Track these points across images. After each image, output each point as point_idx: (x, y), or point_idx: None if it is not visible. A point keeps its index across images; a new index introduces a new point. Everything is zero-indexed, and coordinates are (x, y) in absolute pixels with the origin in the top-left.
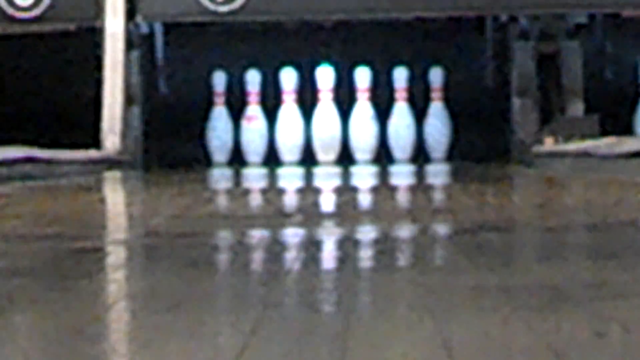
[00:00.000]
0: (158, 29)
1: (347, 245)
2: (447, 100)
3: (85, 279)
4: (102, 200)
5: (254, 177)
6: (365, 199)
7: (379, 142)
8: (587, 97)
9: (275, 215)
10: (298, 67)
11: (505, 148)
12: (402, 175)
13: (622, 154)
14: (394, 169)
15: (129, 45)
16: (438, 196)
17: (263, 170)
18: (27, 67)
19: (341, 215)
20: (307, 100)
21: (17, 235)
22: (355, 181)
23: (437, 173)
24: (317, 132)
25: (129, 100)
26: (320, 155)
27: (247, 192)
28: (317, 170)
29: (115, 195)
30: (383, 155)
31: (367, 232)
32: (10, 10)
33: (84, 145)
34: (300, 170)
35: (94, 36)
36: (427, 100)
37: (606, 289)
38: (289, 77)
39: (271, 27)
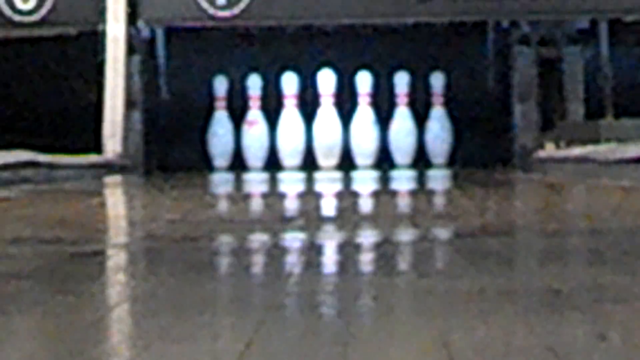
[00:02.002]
0: (159, 33)
1: (348, 250)
2: (448, 105)
3: (86, 282)
4: (103, 205)
5: (255, 181)
6: (366, 204)
7: (380, 147)
8: None
9: (276, 220)
10: (299, 72)
11: (507, 153)
12: (403, 180)
13: (622, 160)
14: (395, 173)
15: (130, 49)
16: (439, 201)
17: (264, 175)
18: (28, 72)
19: (342, 219)
20: (308, 105)
21: (19, 238)
22: (356, 186)
23: (438, 178)
24: (318, 136)
25: (130, 104)
26: (321, 160)
27: (248, 196)
28: (318, 175)
29: (116, 200)
30: (384, 160)
31: (368, 237)
32: (11, 15)
33: (85, 150)
34: (301, 175)
35: (96, 41)
36: (428, 105)
37: (606, 292)
38: (290, 82)
39: (272, 32)
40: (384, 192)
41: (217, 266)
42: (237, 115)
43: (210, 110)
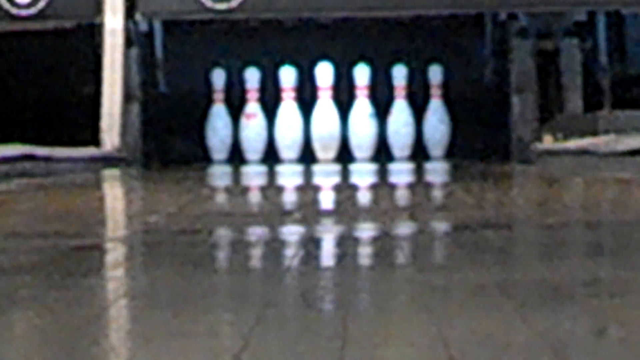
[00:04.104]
0: (157, 26)
1: (346, 243)
2: (447, 98)
3: (84, 276)
4: (101, 198)
5: (253, 174)
6: (364, 197)
7: (378, 140)
8: None
9: (274, 213)
10: (297, 65)
11: (505, 146)
12: (401, 172)
13: (620, 152)
14: (393, 166)
15: (128, 42)
16: (437, 194)
17: (262, 168)
18: (26, 65)
19: (340, 212)
20: (307, 98)
21: (17, 232)
22: (354, 179)
23: (436, 171)
24: (317, 129)
25: (128, 97)
26: (320, 153)
27: (246, 189)
28: (316, 168)
29: (114, 193)
30: (382, 153)
31: (366, 230)
32: (9, 8)
33: (83, 143)
34: (299, 168)
35: (93, 34)
36: (426, 97)
37: (605, 286)
38: (288, 75)
39: (270, 25)
40: (382, 185)
41: (216, 260)
42: (235, 108)
43: (208, 103)
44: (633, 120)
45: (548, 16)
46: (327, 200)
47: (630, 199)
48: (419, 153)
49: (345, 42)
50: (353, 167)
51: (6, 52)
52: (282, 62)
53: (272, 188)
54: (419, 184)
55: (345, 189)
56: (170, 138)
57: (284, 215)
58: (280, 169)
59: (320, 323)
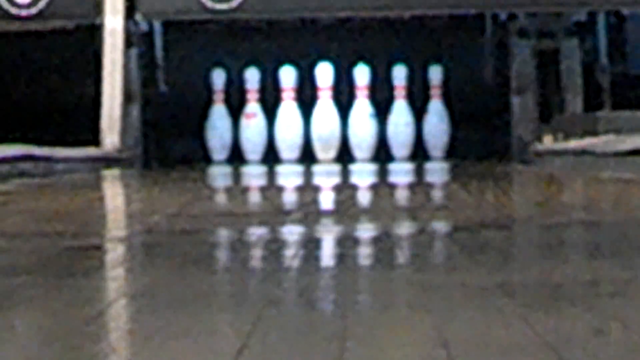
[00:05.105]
0: (157, 26)
1: (346, 243)
2: (447, 98)
3: (84, 276)
4: (101, 198)
5: (253, 174)
6: (364, 197)
7: (378, 140)
8: None
9: (274, 213)
10: (297, 65)
11: (505, 146)
12: (401, 173)
13: (620, 152)
14: (393, 166)
15: (128, 43)
16: (437, 194)
17: (262, 168)
18: (26, 65)
19: (340, 213)
20: (307, 98)
21: (17, 232)
22: (354, 179)
23: (436, 171)
24: (317, 129)
25: (128, 98)
26: (320, 153)
27: (246, 189)
28: (316, 168)
29: (114, 193)
30: (382, 153)
31: (366, 230)
32: (9, 8)
33: (83, 143)
34: (299, 168)
35: (93, 34)
36: (426, 98)
37: (605, 286)
38: (288, 75)
39: (270, 25)
40: (382, 185)
41: (216, 260)
42: (235, 109)
43: (208, 104)
44: (633, 120)
45: (548, 16)
46: (327, 200)
47: (630, 199)
48: (419, 153)
49: (345, 42)
50: (353, 167)
51: (6, 52)
52: (282, 62)
53: (272, 188)
54: (419, 184)
55: (345, 189)
56: (170, 138)
57: (284, 215)
58: (280, 169)
59: (320, 323)
